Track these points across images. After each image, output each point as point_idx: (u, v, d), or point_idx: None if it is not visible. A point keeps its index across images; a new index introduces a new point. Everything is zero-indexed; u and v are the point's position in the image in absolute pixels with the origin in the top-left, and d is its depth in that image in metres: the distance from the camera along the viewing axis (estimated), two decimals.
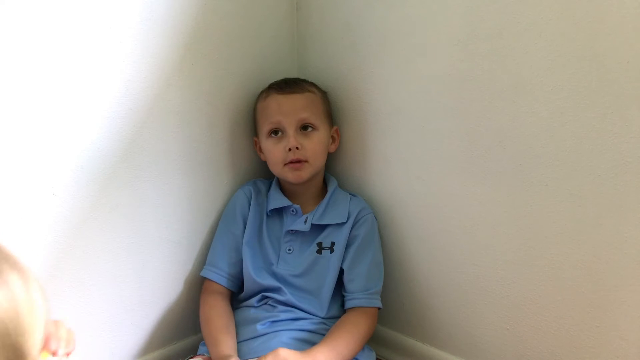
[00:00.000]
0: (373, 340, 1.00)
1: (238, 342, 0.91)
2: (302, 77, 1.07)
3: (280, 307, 0.95)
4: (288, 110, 0.97)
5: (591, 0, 0.72)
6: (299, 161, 0.97)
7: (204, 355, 0.92)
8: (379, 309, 0.97)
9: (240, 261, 0.99)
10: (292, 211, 1.01)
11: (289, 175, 0.99)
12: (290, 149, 0.96)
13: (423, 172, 0.96)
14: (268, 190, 1.05)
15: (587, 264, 0.79)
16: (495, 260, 0.89)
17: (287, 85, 1.00)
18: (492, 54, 0.83)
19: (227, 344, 0.87)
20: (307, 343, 0.90)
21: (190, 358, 0.91)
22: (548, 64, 0.77)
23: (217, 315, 0.94)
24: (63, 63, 0.81)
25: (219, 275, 0.98)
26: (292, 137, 0.97)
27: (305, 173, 0.98)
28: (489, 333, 0.93)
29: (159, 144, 0.94)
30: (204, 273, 1.00)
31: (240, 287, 1.01)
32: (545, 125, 0.79)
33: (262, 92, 1.03)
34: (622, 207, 0.74)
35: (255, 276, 0.97)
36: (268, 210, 1.01)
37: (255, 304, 0.97)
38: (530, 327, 0.87)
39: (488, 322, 0.93)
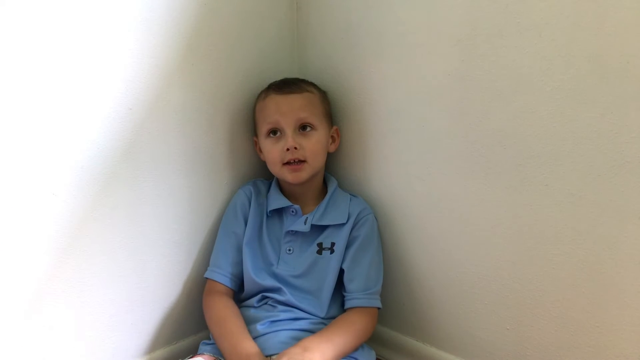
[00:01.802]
0: (373, 340, 1.00)
1: None
2: (302, 77, 1.07)
3: (280, 307, 0.95)
4: (286, 110, 0.97)
5: (591, 0, 0.72)
6: (297, 162, 0.97)
7: (204, 354, 0.92)
8: (379, 309, 0.97)
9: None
10: (292, 212, 1.01)
11: (288, 176, 0.99)
12: (288, 149, 0.96)
13: (423, 172, 0.96)
14: (268, 190, 1.05)
15: (587, 264, 0.79)
16: (495, 260, 0.89)
17: (286, 85, 1.01)
18: (492, 54, 0.83)
19: (251, 342, 0.87)
20: None
21: (191, 358, 0.91)
22: (548, 64, 0.77)
23: (232, 314, 0.93)
24: (63, 63, 0.81)
25: (224, 276, 0.98)
26: (290, 137, 0.97)
27: (304, 173, 0.98)
28: (489, 333, 0.93)
29: (159, 144, 0.94)
30: (208, 274, 0.99)
31: (242, 287, 1.00)
32: (545, 125, 0.79)
33: (261, 93, 1.03)
34: (622, 207, 0.74)
35: (255, 277, 0.97)
36: (268, 210, 1.02)
37: (255, 304, 0.97)
38: (530, 327, 0.87)
39: (488, 322, 0.93)
